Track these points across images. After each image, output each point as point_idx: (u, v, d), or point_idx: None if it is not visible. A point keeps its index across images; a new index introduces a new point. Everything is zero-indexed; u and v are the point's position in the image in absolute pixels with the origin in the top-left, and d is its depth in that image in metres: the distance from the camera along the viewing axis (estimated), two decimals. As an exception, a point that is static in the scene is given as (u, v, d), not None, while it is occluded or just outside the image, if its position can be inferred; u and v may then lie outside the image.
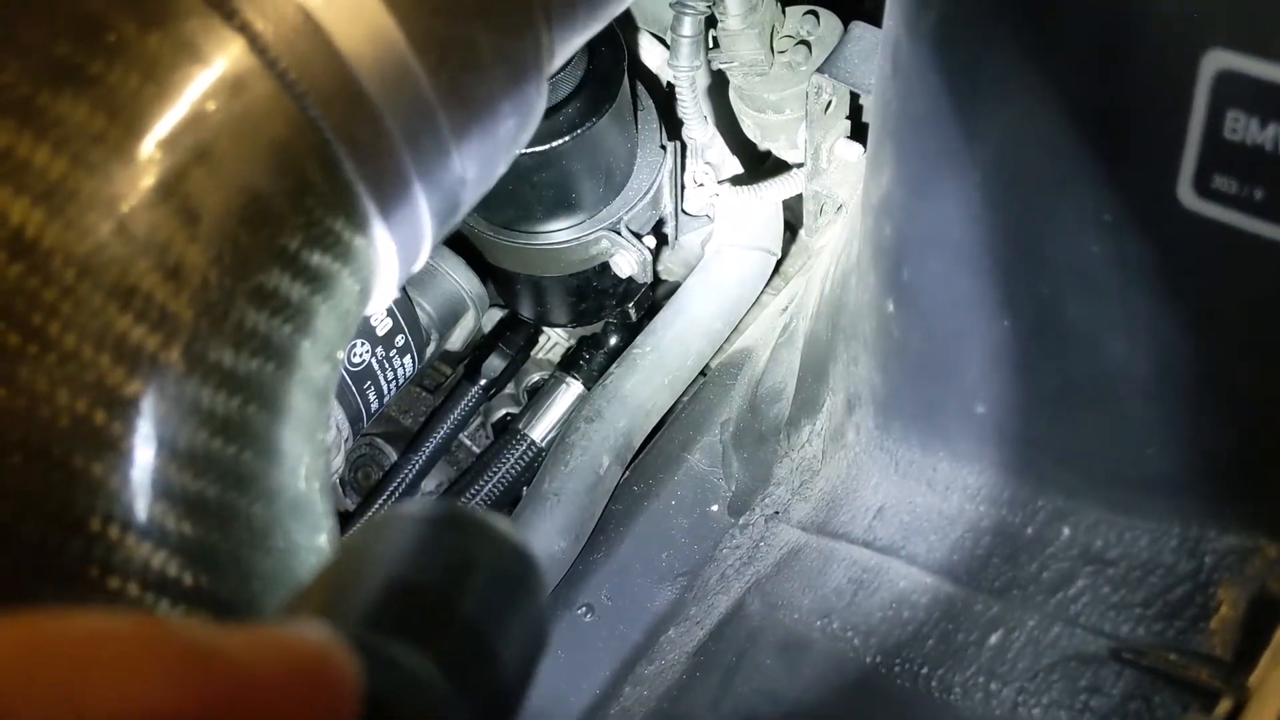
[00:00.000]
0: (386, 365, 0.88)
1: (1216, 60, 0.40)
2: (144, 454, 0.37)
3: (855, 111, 0.84)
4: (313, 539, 0.44)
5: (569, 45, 0.52)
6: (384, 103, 0.42)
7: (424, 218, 0.45)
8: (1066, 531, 0.53)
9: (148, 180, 0.37)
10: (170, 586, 0.38)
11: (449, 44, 0.44)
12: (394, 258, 0.45)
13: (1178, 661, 0.46)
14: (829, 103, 0.82)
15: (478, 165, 0.47)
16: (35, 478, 0.36)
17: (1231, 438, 0.48)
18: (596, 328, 1.18)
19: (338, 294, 0.43)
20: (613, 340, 1.15)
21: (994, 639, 0.53)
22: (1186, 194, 0.43)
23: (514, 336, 1.19)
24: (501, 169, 0.50)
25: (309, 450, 0.44)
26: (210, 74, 0.38)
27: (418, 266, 0.48)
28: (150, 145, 0.37)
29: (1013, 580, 0.54)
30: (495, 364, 1.18)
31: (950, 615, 0.55)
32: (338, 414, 0.86)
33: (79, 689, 0.17)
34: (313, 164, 0.41)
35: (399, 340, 0.88)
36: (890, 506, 0.64)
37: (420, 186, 0.44)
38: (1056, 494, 0.54)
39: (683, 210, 1.09)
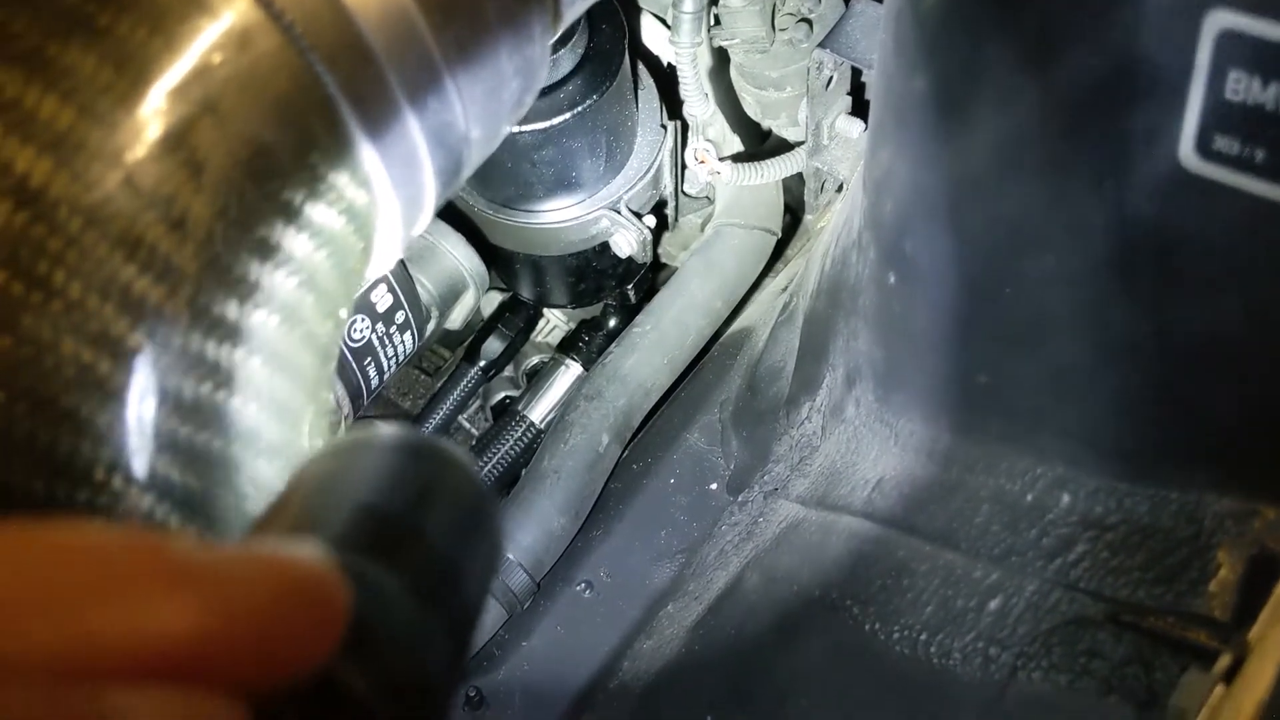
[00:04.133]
0: (387, 341, 0.88)
1: (1219, 20, 0.40)
2: (147, 404, 0.37)
3: (856, 88, 0.85)
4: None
5: (573, 9, 0.52)
6: (389, 60, 0.42)
7: (428, 176, 0.45)
8: (1066, 499, 0.53)
9: (154, 132, 0.37)
10: (174, 539, 0.38)
11: (454, 3, 0.44)
12: (398, 216, 0.45)
13: (1176, 624, 0.46)
14: (830, 79, 0.82)
15: (482, 125, 0.47)
16: (41, 427, 0.36)
17: (1233, 403, 0.48)
18: (595, 310, 1.18)
19: (341, 250, 0.43)
20: (612, 322, 1.15)
21: (993, 604, 0.53)
22: (1189, 156, 0.43)
23: (513, 319, 1.19)
24: (505, 130, 0.50)
25: (312, 407, 0.44)
26: (217, 27, 0.39)
27: (421, 226, 0.48)
28: (157, 97, 0.38)
29: (1012, 547, 0.54)
30: (494, 346, 1.18)
31: (950, 582, 0.56)
32: (338, 389, 0.87)
33: (89, 609, 0.17)
34: (318, 119, 0.41)
35: (399, 317, 0.89)
36: (890, 478, 0.64)
37: (424, 144, 0.44)
38: (1057, 462, 0.54)
39: (683, 191, 1.09)
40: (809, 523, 0.71)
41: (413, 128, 0.43)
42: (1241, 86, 0.41)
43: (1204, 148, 0.43)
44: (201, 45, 0.38)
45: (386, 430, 0.26)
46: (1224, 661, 0.38)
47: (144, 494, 0.38)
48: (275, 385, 0.41)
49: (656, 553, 0.89)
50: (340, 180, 0.42)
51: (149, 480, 0.38)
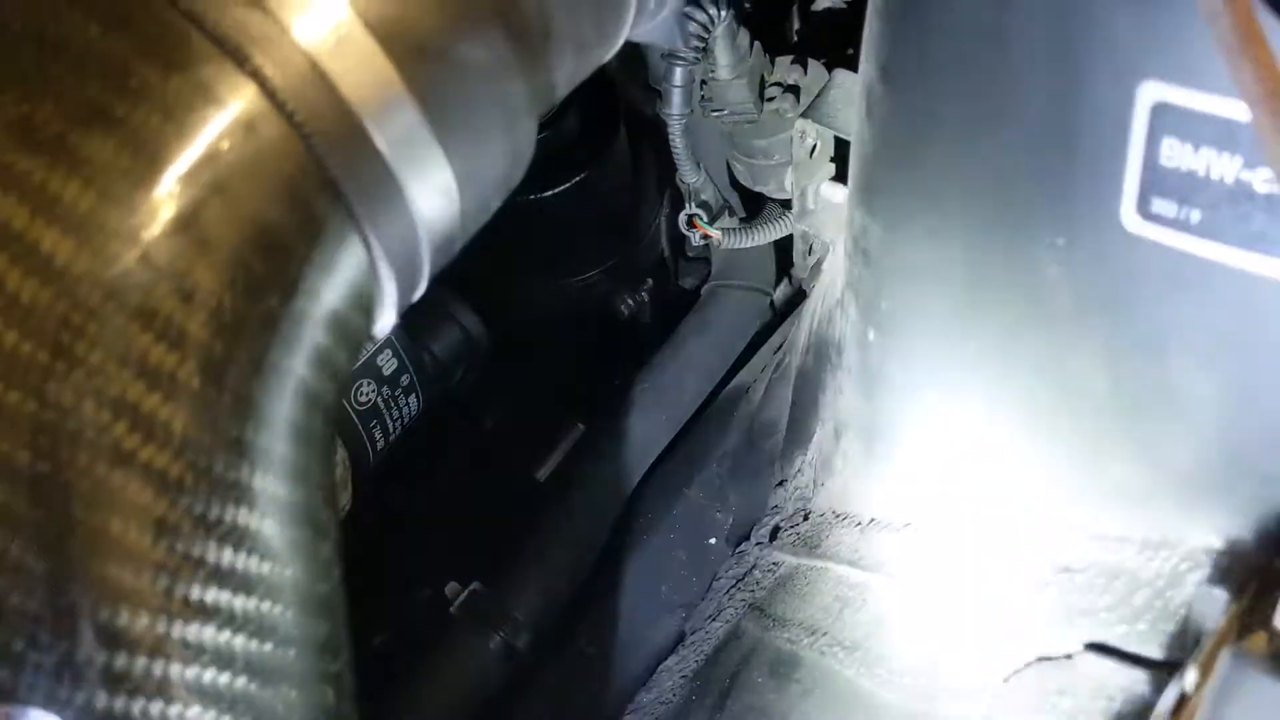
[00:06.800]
0: (392, 404, 0.91)
1: (1152, 92, 0.43)
2: (162, 462, 0.40)
3: (840, 155, 0.88)
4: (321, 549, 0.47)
5: (563, 89, 0.56)
6: (386, 144, 0.45)
7: (423, 249, 0.48)
8: (1039, 543, 0.56)
9: (168, 212, 0.41)
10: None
11: (447, 91, 0.47)
12: (393, 288, 0.48)
13: (1139, 663, 0.48)
14: (814, 147, 0.86)
15: (473, 203, 0.50)
16: (62, 488, 0.39)
17: (1188, 449, 0.51)
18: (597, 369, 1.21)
19: (342, 319, 0.46)
20: (614, 382, 1.18)
21: (970, 646, 0.55)
22: (1130, 217, 0.46)
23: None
24: (495, 206, 0.53)
25: (318, 466, 0.47)
26: (225, 116, 0.42)
27: (417, 295, 0.51)
28: (170, 181, 0.41)
29: (988, 591, 0.57)
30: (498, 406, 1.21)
31: (928, 625, 0.58)
32: (342, 452, 0.89)
33: None
34: (320, 200, 0.44)
35: (404, 380, 0.92)
36: (875, 527, 0.67)
37: (419, 220, 0.47)
38: (1028, 509, 0.57)
39: (680, 254, 1.12)
40: (801, 571, 0.73)
41: (408, 205, 0.47)
42: (1175, 153, 0.44)
43: (1144, 210, 0.46)
44: (211, 133, 0.42)
45: None
46: (1169, 696, 0.40)
47: (157, 543, 0.40)
48: (281, 445, 0.44)
49: (657, 607, 0.91)
50: (341, 255, 0.45)
51: (167, 533, 0.41)
